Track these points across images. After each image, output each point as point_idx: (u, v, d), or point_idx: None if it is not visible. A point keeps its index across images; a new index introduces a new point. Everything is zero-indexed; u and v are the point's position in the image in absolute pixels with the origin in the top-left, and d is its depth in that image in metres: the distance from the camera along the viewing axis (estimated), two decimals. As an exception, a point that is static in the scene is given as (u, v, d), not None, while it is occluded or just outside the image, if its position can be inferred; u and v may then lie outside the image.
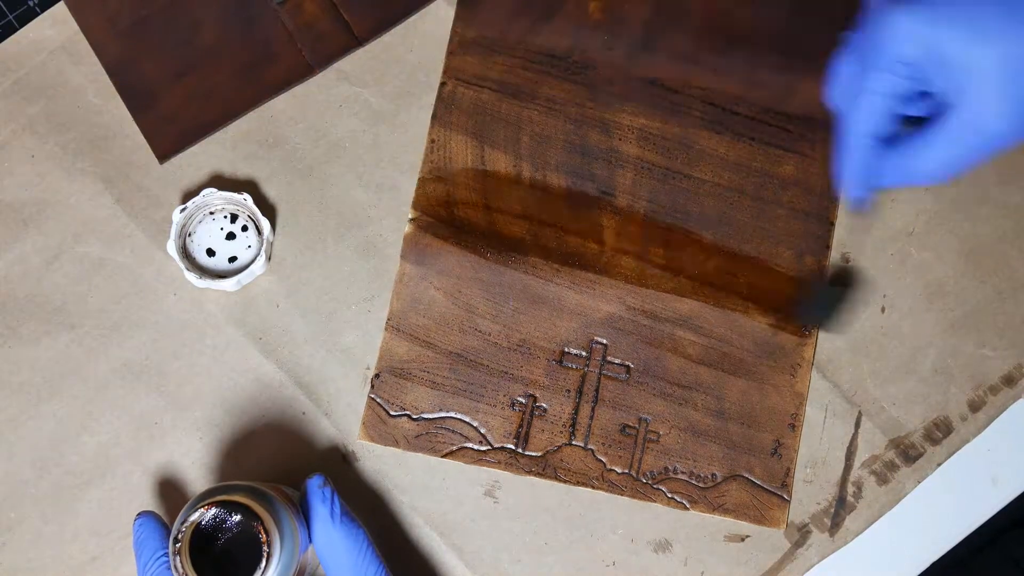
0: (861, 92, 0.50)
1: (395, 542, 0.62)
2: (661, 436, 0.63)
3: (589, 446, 0.63)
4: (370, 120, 0.65)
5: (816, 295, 0.61)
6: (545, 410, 0.63)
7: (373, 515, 0.62)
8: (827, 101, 0.52)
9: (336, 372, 0.63)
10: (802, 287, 0.63)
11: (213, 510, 0.51)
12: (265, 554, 0.50)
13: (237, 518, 0.51)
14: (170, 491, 0.62)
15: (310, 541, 0.56)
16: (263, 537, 0.50)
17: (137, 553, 0.55)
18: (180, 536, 0.50)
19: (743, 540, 0.63)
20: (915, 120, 0.52)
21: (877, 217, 0.65)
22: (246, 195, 0.62)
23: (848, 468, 0.63)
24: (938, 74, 0.48)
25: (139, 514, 0.56)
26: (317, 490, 0.57)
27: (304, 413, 0.63)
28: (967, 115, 0.48)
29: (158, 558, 0.54)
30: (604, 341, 0.63)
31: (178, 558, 0.50)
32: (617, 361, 0.63)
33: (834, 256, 0.65)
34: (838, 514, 0.63)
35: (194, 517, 0.50)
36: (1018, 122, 0.48)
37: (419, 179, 0.64)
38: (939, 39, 0.47)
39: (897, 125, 0.51)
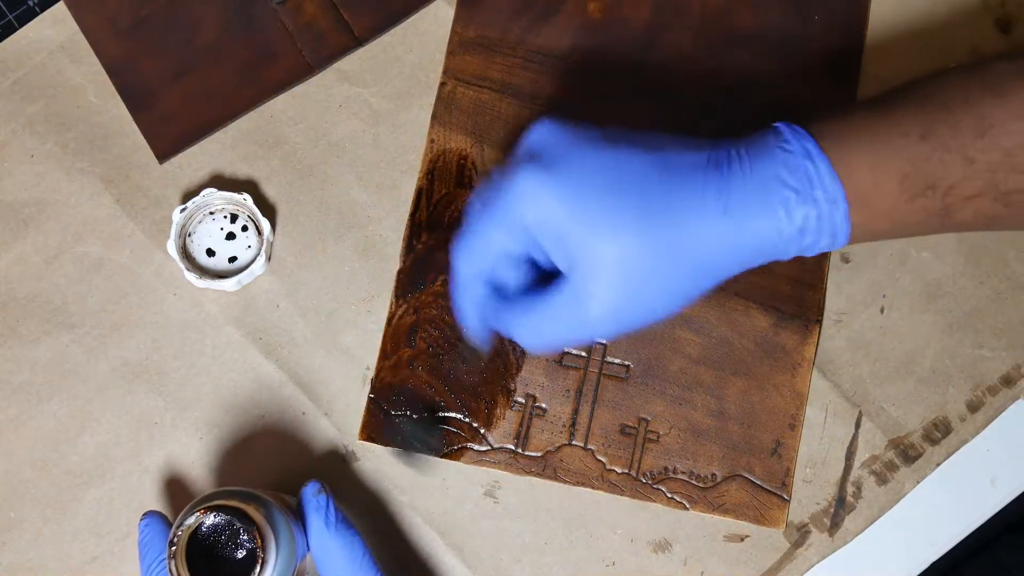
0: (479, 235, 0.48)
1: (395, 542, 0.61)
2: (661, 436, 0.62)
3: (589, 446, 0.61)
4: (370, 120, 0.64)
5: (408, 429, 0.60)
6: (545, 410, 0.62)
7: (373, 515, 0.61)
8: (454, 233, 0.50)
9: (336, 372, 0.62)
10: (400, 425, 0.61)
11: (210, 515, 0.50)
12: (259, 560, 0.49)
13: (233, 524, 0.50)
14: (170, 491, 0.61)
15: (308, 549, 0.55)
16: (258, 542, 0.49)
17: (142, 554, 0.54)
18: (176, 541, 0.49)
19: (743, 540, 0.61)
20: (548, 275, 0.49)
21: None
22: (246, 195, 0.61)
23: (848, 468, 0.62)
24: (552, 246, 0.46)
25: (145, 514, 0.55)
26: (312, 498, 0.55)
27: (304, 413, 0.61)
28: (570, 294, 0.46)
29: (163, 560, 0.53)
30: (603, 341, 0.62)
31: (174, 562, 0.49)
32: (617, 361, 0.62)
33: (834, 256, 0.63)
34: (838, 514, 0.62)
35: (190, 522, 0.49)
36: (616, 319, 0.46)
37: (419, 178, 0.63)
38: (557, 213, 0.45)
39: (521, 275, 0.49)
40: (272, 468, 0.61)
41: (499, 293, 0.50)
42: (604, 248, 0.45)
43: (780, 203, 0.46)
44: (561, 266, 0.47)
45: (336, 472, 0.61)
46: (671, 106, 0.64)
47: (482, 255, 0.49)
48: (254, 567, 0.49)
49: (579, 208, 0.45)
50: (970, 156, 0.46)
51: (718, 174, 0.46)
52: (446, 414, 0.61)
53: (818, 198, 0.46)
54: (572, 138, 0.47)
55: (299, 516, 0.55)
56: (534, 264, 0.50)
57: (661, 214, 0.45)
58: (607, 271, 0.45)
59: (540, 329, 0.48)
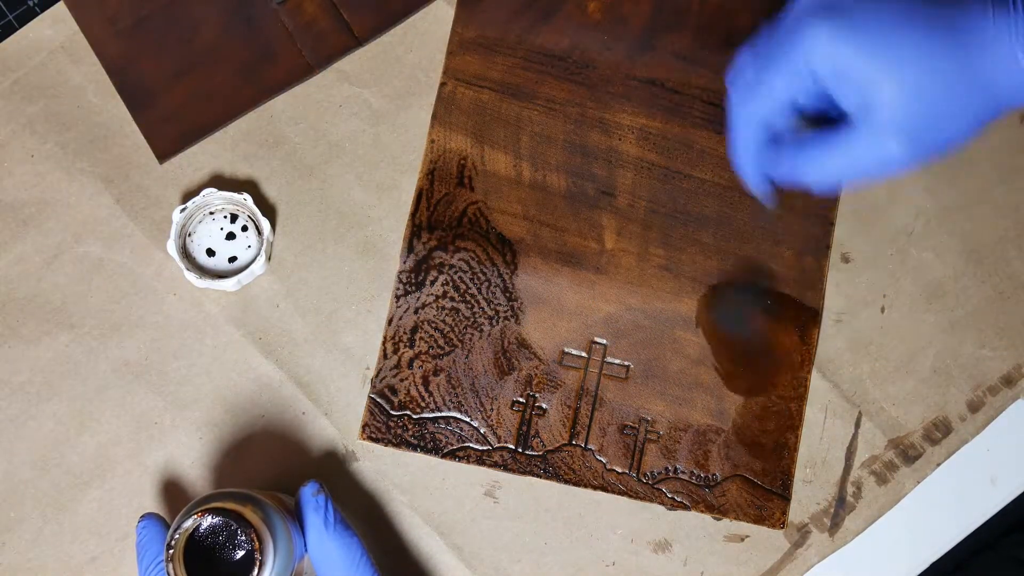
0: (760, 83, 0.48)
1: (395, 542, 0.60)
2: (661, 436, 0.61)
3: (589, 446, 0.60)
4: (370, 120, 0.62)
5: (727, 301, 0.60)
6: (545, 410, 0.61)
7: (373, 515, 0.60)
8: (726, 84, 0.51)
9: (336, 372, 0.61)
10: None
11: (207, 518, 0.49)
12: (257, 562, 0.48)
13: (231, 526, 0.50)
14: (170, 491, 0.60)
15: (306, 550, 0.54)
16: (255, 544, 0.48)
17: (139, 555, 0.53)
18: (174, 543, 0.49)
19: (743, 540, 0.60)
20: (817, 120, 0.50)
21: (878, 218, 0.63)
22: (246, 195, 0.60)
23: (848, 468, 0.61)
24: (846, 90, 0.47)
25: (143, 516, 0.54)
26: (311, 499, 0.54)
27: (304, 413, 0.60)
28: (867, 134, 0.47)
29: (160, 562, 0.52)
30: (604, 341, 0.61)
31: (172, 565, 0.48)
32: (617, 361, 0.61)
33: (834, 256, 0.62)
34: (838, 514, 0.61)
35: (187, 524, 0.49)
36: (914, 151, 0.47)
37: (419, 178, 0.62)
38: (854, 58, 0.46)
39: (797, 122, 0.50)
40: (272, 468, 0.60)
41: (776, 141, 0.51)
42: (897, 83, 0.46)
43: None
44: (851, 108, 0.47)
45: (336, 472, 0.60)
46: (671, 106, 0.63)
47: (766, 102, 0.49)
48: (252, 569, 0.49)
49: (873, 51, 0.46)
50: None
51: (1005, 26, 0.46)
52: (448, 414, 0.60)
53: None
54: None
55: (297, 516, 0.54)
56: (811, 109, 0.50)
57: (950, 45, 0.46)
58: (903, 102, 0.46)
59: (835, 166, 0.48)
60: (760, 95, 0.49)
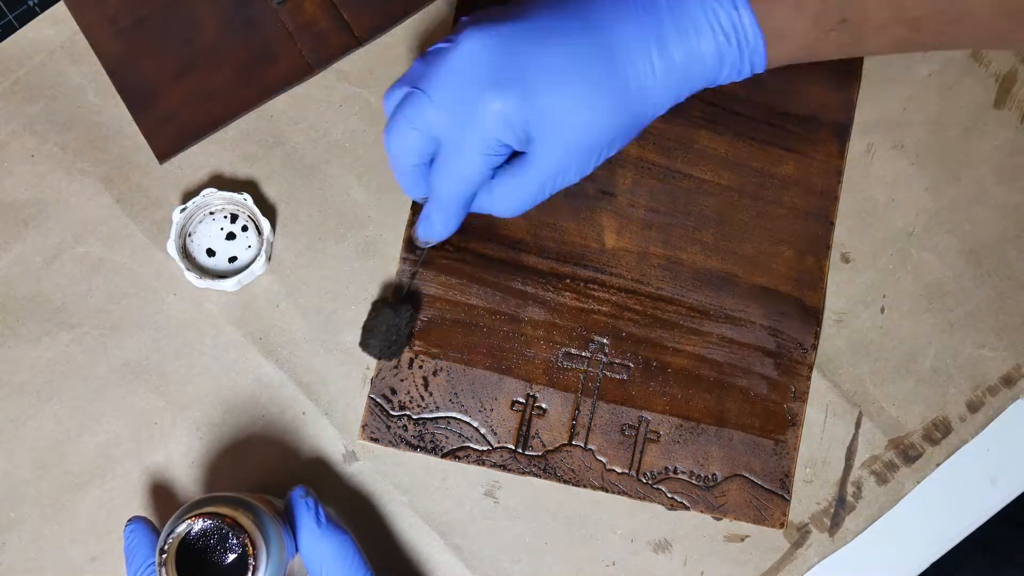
0: (460, 162, 0.48)
1: (395, 542, 0.58)
2: (661, 436, 0.59)
3: (589, 446, 0.59)
4: (370, 120, 0.61)
5: (376, 323, 0.57)
6: (545, 410, 0.59)
7: (373, 515, 0.58)
8: (383, 104, 0.51)
9: (336, 372, 0.59)
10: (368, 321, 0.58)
11: (199, 522, 0.47)
12: (251, 566, 0.47)
13: (222, 530, 0.48)
14: (170, 491, 0.58)
15: (296, 551, 0.52)
16: (249, 549, 0.47)
17: (128, 560, 0.51)
18: (167, 547, 0.47)
19: (743, 540, 0.59)
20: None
21: (878, 218, 0.61)
22: (246, 195, 0.58)
23: (848, 468, 0.59)
24: (515, 139, 0.47)
25: (130, 520, 0.53)
26: (300, 499, 0.53)
27: (304, 413, 0.59)
28: (532, 162, 0.48)
29: (148, 565, 0.50)
30: (604, 341, 0.59)
31: (164, 569, 0.46)
32: (617, 361, 0.59)
33: (834, 256, 0.61)
34: (838, 514, 0.59)
35: (180, 529, 0.47)
36: (574, 167, 0.48)
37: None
38: (523, 119, 0.46)
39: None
40: (272, 468, 0.58)
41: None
42: (550, 118, 0.47)
43: (707, 48, 0.48)
44: (518, 147, 0.48)
45: (336, 472, 0.59)
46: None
47: (471, 171, 0.49)
48: (245, 572, 0.47)
49: (532, 105, 0.47)
50: None
51: (648, 18, 0.48)
52: (448, 414, 0.58)
53: (740, 41, 0.47)
54: (505, 42, 0.47)
55: (287, 518, 0.53)
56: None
57: (602, 75, 0.47)
58: (556, 135, 0.47)
59: (516, 200, 0.50)
60: (467, 169, 0.48)
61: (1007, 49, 0.61)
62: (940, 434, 0.60)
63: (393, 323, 0.57)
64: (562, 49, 0.46)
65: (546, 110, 0.46)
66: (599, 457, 0.59)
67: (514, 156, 0.49)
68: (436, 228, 0.51)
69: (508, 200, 0.49)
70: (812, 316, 0.60)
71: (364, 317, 0.59)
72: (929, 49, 0.49)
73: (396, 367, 0.59)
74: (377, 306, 0.58)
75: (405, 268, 0.59)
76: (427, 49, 0.50)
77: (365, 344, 0.57)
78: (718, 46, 0.47)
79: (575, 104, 0.46)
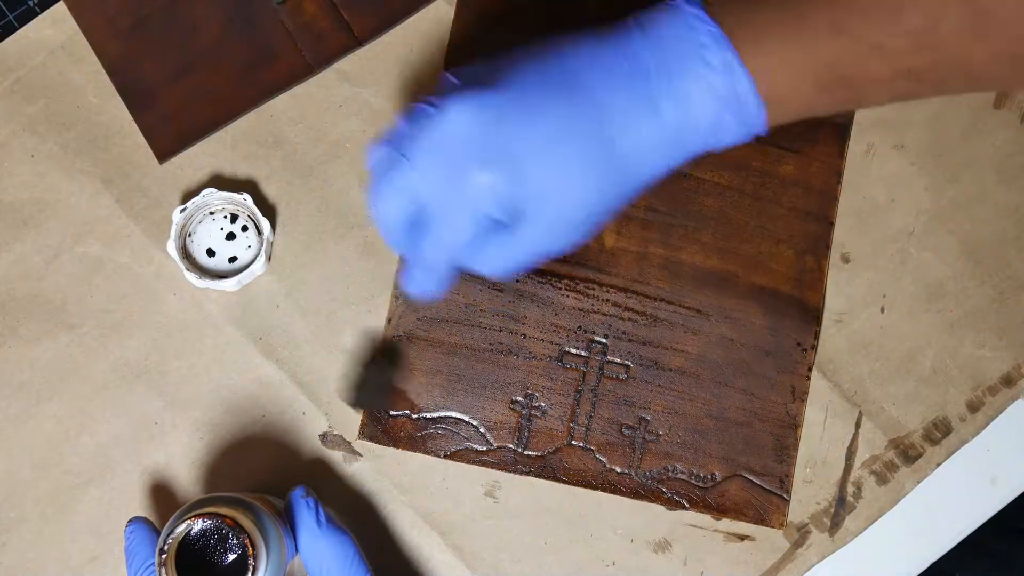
0: (447, 231, 0.46)
1: (395, 542, 0.58)
2: (661, 436, 0.58)
3: (589, 446, 0.58)
4: (370, 120, 0.60)
5: (361, 376, 0.57)
6: (545, 410, 0.58)
7: (373, 515, 0.58)
8: (369, 167, 0.49)
9: (336, 372, 0.58)
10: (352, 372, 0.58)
11: (199, 522, 0.47)
12: (251, 567, 0.46)
13: (222, 530, 0.48)
14: (170, 491, 0.58)
15: (296, 551, 0.52)
16: (249, 549, 0.46)
17: (128, 560, 0.51)
18: (167, 548, 0.47)
19: (743, 540, 0.58)
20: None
21: (878, 218, 0.61)
22: (246, 195, 0.58)
23: (848, 468, 0.59)
24: (502, 212, 0.45)
25: (130, 520, 0.52)
26: (301, 499, 0.53)
27: (304, 413, 0.58)
28: (526, 235, 0.46)
29: (148, 566, 0.50)
30: (604, 341, 0.59)
31: (164, 570, 0.46)
32: (617, 361, 0.59)
33: (834, 256, 0.60)
34: (838, 514, 0.59)
35: (180, 530, 0.47)
36: (564, 236, 0.46)
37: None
38: (514, 190, 0.45)
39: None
40: (272, 468, 0.58)
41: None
42: (540, 193, 0.45)
43: (702, 116, 0.45)
44: (507, 220, 0.46)
45: (336, 472, 0.58)
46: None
47: (457, 239, 0.47)
48: (245, 572, 0.47)
49: (521, 179, 0.45)
50: (880, 42, 0.44)
51: (639, 84, 0.46)
52: (448, 414, 0.58)
53: (738, 108, 0.45)
54: (492, 115, 0.45)
55: (287, 518, 0.52)
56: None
57: (593, 147, 0.45)
58: (547, 208, 0.45)
59: (505, 265, 0.48)
60: (449, 238, 0.47)
61: (1007, 92, 0.61)
62: (940, 434, 0.60)
63: (378, 378, 0.56)
64: (551, 121, 0.45)
65: (536, 184, 0.45)
66: (599, 457, 0.58)
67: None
68: (424, 286, 0.49)
69: (497, 264, 0.47)
70: (812, 316, 0.59)
71: (364, 317, 0.59)
72: (928, 96, 0.48)
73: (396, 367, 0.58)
74: (359, 363, 0.57)
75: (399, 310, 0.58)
76: (412, 104, 0.48)
77: (352, 400, 0.57)
78: (715, 114, 0.45)
79: (566, 178, 0.45)
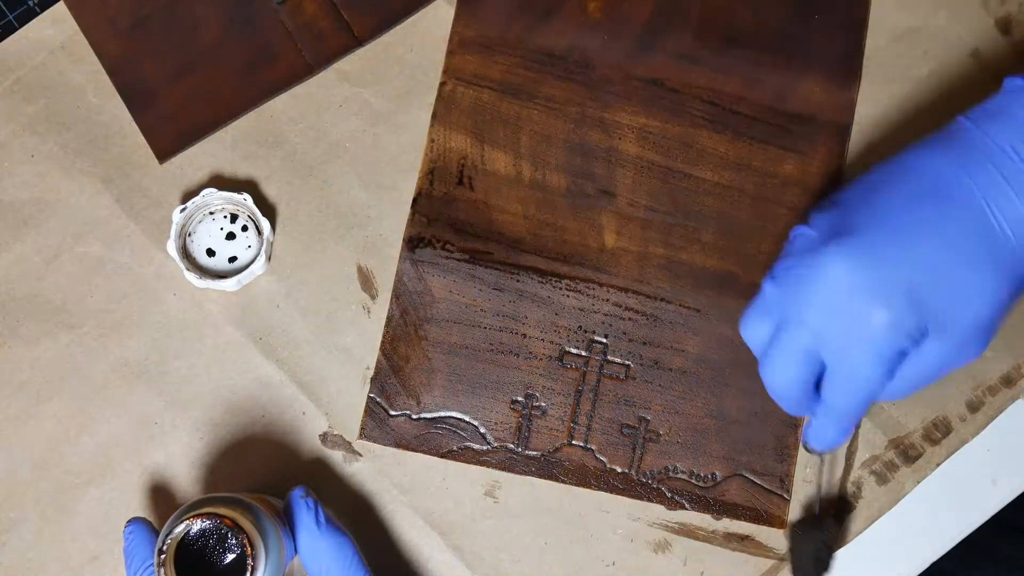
0: (782, 345, 0.46)
1: (395, 542, 0.58)
2: (661, 436, 0.58)
3: (589, 446, 0.58)
4: (370, 120, 0.60)
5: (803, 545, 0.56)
6: (545, 410, 0.58)
7: (373, 515, 0.58)
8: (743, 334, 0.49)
9: (336, 372, 0.58)
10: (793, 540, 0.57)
11: (198, 523, 0.47)
12: (250, 567, 0.46)
13: (221, 530, 0.48)
14: (169, 491, 0.58)
15: (295, 551, 0.52)
16: (248, 550, 0.46)
17: (127, 561, 0.51)
18: (165, 548, 0.46)
19: (743, 540, 0.58)
20: None
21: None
22: (246, 195, 0.57)
23: (848, 468, 0.59)
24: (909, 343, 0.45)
25: (129, 521, 0.52)
26: (300, 500, 0.52)
27: (304, 413, 0.58)
28: (936, 357, 0.46)
29: (148, 566, 0.50)
30: (604, 341, 0.59)
31: (163, 570, 0.46)
32: (617, 361, 0.59)
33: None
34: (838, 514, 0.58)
35: (179, 530, 0.47)
36: (971, 351, 0.46)
37: (419, 178, 0.59)
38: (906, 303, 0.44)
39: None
40: (272, 468, 0.58)
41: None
42: (943, 309, 0.45)
43: None
44: (914, 346, 0.45)
45: (336, 472, 0.58)
46: (671, 105, 0.60)
47: (870, 383, 0.46)
48: (244, 573, 0.47)
49: (920, 303, 0.44)
50: None
51: (1001, 164, 0.45)
52: (448, 414, 0.58)
53: None
54: (874, 253, 0.44)
55: (286, 519, 0.52)
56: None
57: (980, 246, 0.44)
58: (953, 319, 0.45)
59: (912, 387, 0.47)
60: (865, 384, 0.46)
61: None
62: (940, 434, 0.60)
63: (818, 543, 0.56)
64: (934, 238, 0.44)
65: (936, 303, 0.44)
66: (599, 457, 0.58)
67: None
68: (834, 438, 0.49)
69: (909, 388, 0.47)
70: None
71: (364, 317, 0.58)
72: None
73: (396, 366, 0.58)
74: (795, 531, 0.57)
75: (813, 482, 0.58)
76: (774, 269, 0.48)
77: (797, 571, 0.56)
78: None
79: (965, 288, 0.44)
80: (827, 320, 0.45)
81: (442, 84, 0.60)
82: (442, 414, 0.58)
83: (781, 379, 0.47)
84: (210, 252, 0.59)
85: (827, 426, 0.48)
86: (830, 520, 0.57)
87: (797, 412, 0.49)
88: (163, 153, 0.59)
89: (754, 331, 0.47)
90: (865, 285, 0.44)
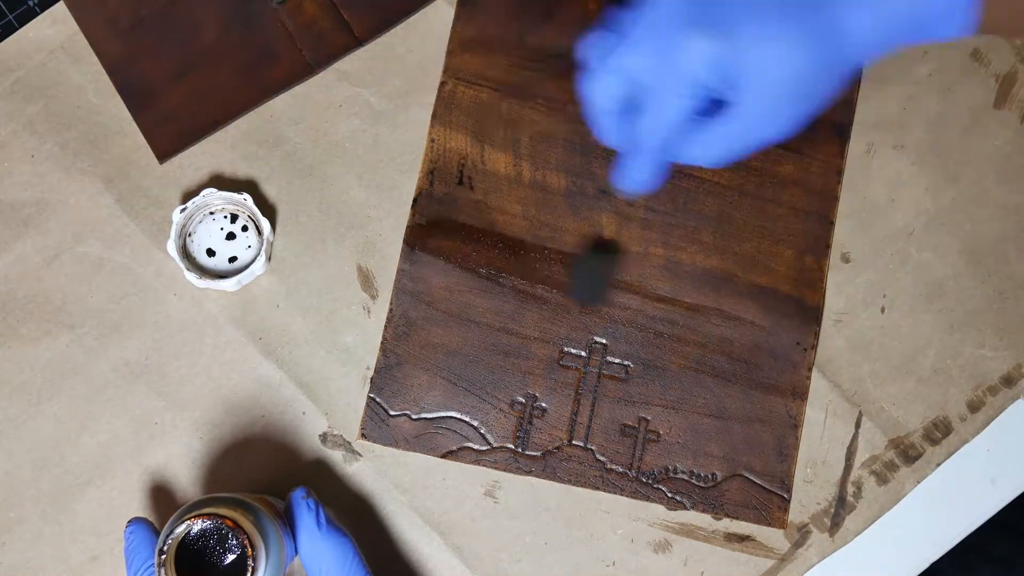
0: (659, 102, 0.46)
1: (395, 542, 0.58)
2: (661, 436, 0.58)
3: (589, 446, 0.58)
4: (370, 120, 0.60)
5: (580, 270, 0.57)
6: (545, 410, 0.58)
7: (373, 515, 0.58)
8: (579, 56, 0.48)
9: (336, 372, 0.58)
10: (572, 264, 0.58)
11: (199, 523, 0.47)
12: (250, 567, 0.46)
13: (222, 530, 0.47)
14: (170, 491, 0.57)
15: (296, 552, 0.52)
16: (248, 550, 0.46)
17: (128, 561, 0.51)
18: (166, 548, 0.46)
19: (743, 540, 0.58)
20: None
21: (878, 218, 0.60)
22: (246, 195, 0.57)
23: (848, 468, 0.59)
24: (720, 83, 0.45)
25: (130, 521, 0.52)
26: (302, 501, 0.52)
27: (304, 413, 0.58)
28: (748, 116, 0.45)
29: (148, 566, 0.50)
30: (603, 341, 0.59)
31: (163, 570, 0.46)
32: (617, 361, 0.58)
33: (834, 256, 0.60)
34: (838, 514, 0.59)
35: (180, 530, 0.46)
36: (785, 117, 0.46)
37: (419, 178, 0.59)
38: (730, 60, 0.44)
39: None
40: (272, 468, 0.58)
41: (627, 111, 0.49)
42: (754, 60, 0.44)
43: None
44: (721, 91, 0.46)
45: (336, 472, 0.58)
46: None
47: (672, 113, 0.46)
48: (244, 573, 0.47)
49: (735, 46, 0.44)
50: None
51: None
52: (448, 414, 0.58)
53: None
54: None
55: (287, 519, 0.52)
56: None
57: (806, 14, 0.44)
58: (760, 77, 0.44)
59: (720, 147, 0.47)
60: (663, 112, 0.46)
61: None
62: (940, 434, 0.59)
63: (595, 271, 0.56)
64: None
65: (750, 51, 0.44)
66: (599, 457, 0.58)
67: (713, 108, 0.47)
68: (638, 177, 0.49)
69: (713, 148, 0.47)
70: (812, 316, 0.59)
71: (364, 317, 0.58)
72: None
73: (396, 366, 0.58)
74: (576, 258, 0.58)
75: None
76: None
77: (570, 291, 0.57)
78: (947, 4, 0.43)
79: (779, 45, 0.44)
80: (650, 41, 0.45)
81: (442, 84, 0.60)
82: (442, 414, 0.58)
83: (598, 90, 0.47)
84: (210, 252, 0.59)
85: (632, 163, 0.48)
86: (611, 251, 0.57)
87: (609, 138, 0.49)
88: (163, 153, 0.59)
89: (586, 43, 0.48)
90: (691, 13, 0.45)
